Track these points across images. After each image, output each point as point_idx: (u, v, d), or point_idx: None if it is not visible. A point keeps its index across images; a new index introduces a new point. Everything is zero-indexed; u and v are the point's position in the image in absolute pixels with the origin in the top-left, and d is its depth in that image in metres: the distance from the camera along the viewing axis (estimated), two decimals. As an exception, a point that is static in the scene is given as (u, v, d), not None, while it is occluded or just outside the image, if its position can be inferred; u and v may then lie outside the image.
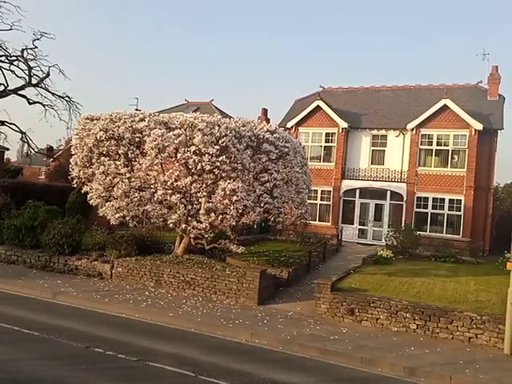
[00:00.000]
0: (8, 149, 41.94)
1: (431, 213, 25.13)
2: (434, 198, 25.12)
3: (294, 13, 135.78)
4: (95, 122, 17.03)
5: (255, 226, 26.17)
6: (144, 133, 16.08)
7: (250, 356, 10.34)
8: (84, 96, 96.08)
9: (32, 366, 8.85)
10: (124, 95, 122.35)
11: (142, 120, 16.58)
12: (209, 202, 15.46)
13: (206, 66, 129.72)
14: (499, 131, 24.96)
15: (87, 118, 17.60)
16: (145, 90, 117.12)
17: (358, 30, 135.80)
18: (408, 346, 11.16)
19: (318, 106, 27.66)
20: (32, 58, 27.99)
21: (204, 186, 15.73)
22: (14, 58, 27.74)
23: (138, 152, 16.49)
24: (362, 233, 26.76)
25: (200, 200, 15.71)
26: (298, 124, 28.14)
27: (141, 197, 16.26)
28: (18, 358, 9.15)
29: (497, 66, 26.85)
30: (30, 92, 29.23)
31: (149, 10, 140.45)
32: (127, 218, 16.53)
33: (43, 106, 28.66)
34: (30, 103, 28.65)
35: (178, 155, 15.36)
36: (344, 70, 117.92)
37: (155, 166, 16.03)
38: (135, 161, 16.54)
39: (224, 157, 15.21)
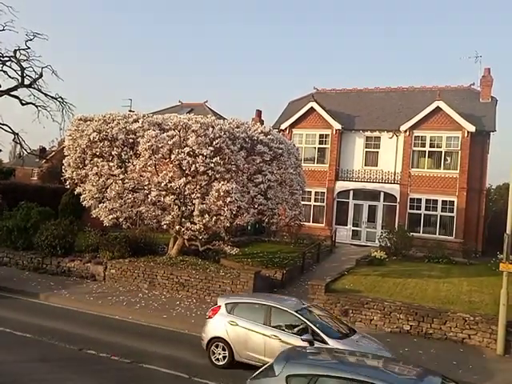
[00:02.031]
0: (0, 150, 41.66)
1: (424, 214, 25.23)
2: (427, 200, 25.22)
3: (290, 12, 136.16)
4: (88, 122, 16.96)
5: (249, 228, 26.17)
6: (138, 134, 16.04)
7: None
8: (78, 97, 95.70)
9: (23, 368, 8.79)
10: (117, 96, 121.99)
11: (135, 121, 16.54)
12: (203, 204, 15.42)
13: (199, 68, 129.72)
14: (491, 133, 25.11)
15: (80, 119, 17.52)
16: (138, 92, 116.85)
17: (354, 30, 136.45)
18: (402, 347, 11.19)
19: (311, 107, 27.71)
20: (25, 58, 27.82)
21: (198, 187, 15.71)
22: (7, 59, 27.54)
23: (131, 153, 16.43)
24: (356, 234, 26.81)
25: (194, 201, 15.68)
26: (292, 125, 28.17)
27: (134, 198, 16.21)
28: (10, 360, 9.10)
29: (489, 69, 27.04)
30: (22, 93, 29.00)
31: (146, 9, 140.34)
32: (120, 220, 16.45)
33: (36, 106, 28.47)
34: (22, 104, 28.46)
35: (172, 156, 15.34)
36: (338, 72, 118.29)
37: (149, 167, 15.99)
38: (129, 162, 16.48)
39: (218, 158, 15.20)
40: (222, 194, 14.89)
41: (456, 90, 28.06)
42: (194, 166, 15.17)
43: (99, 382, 8.47)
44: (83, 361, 9.45)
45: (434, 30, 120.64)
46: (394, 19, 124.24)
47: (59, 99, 28.74)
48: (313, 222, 27.04)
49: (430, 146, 25.47)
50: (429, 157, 25.64)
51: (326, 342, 8.77)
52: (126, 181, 16.11)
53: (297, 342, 8.79)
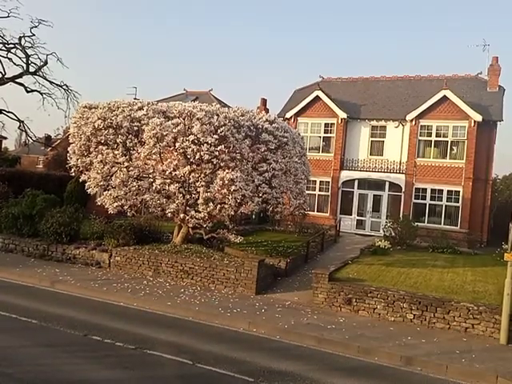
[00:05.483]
0: (6, 137, 41.77)
1: (429, 204, 25.16)
2: (432, 190, 25.13)
3: (294, 2, 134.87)
4: (93, 110, 16.94)
5: (253, 217, 26.23)
6: (142, 122, 16.01)
7: (248, 344, 10.38)
8: (83, 85, 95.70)
9: (30, 353, 8.89)
10: (122, 85, 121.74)
11: (140, 109, 16.51)
12: (207, 192, 15.43)
13: (204, 57, 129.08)
14: (498, 123, 24.92)
15: (85, 107, 17.50)
16: (143, 81, 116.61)
17: (358, 20, 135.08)
18: (405, 336, 11.21)
19: (317, 96, 27.55)
20: (30, 45, 27.80)
21: (202, 175, 15.70)
22: (12, 46, 27.53)
23: (136, 141, 16.42)
24: (360, 223, 26.81)
25: (198, 189, 15.69)
26: (297, 114, 28.04)
27: (139, 186, 16.23)
28: (16, 346, 9.19)
29: (497, 57, 26.75)
30: (27, 80, 29.10)
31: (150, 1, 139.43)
32: (125, 207, 16.50)
33: (41, 94, 28.52)
34: (27, 91, 28.48)
35: (177, 144, 15.32)
36: (344, 60, 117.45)
37: (154, 155, 15.98)
38: (133, 150, 16.49)
39: (223, 146, 15.17)
40: (226, 182, 14.89)
41: (463, 78, 27.81)
42: (198, 154, 15.15)
43: (105, 367, 8.55)
44: (88, 346, 9.53)
45: (442, 18, 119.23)
46: (401, 8, 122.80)
47: (64, 87, 28.76)
48: (317, 212, 27.05)
49: (436, 136, 25.32)
50: (435, 146, 25.49)
51: None
52: (131, 168, 16.12)
53: None
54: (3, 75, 27.72)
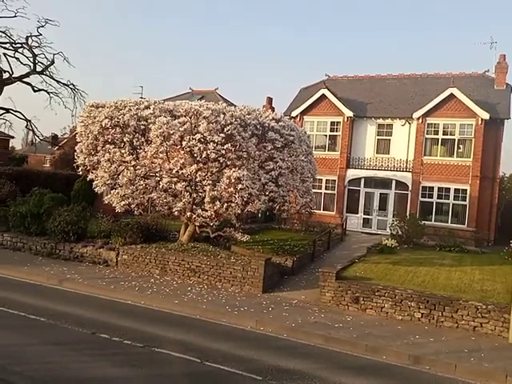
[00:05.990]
0: (13, 137, 42.05)
1: (436, 202, 25.04)
2: (439, 188, 25.01)
3: (295, 2, 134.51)
4: (100, 109, 16.97)
5: (260, 215, 26.20)
6: (149, 120, 16.03)
7: (255, 343, 10.38)
8: (87, 85, 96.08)
9: (38, 351, 8.94)
10: (127, 84, 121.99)
11: (147, 108, 16.52)
12: (214, 190, 15.43)
13: (208, 57, 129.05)
14: (506, 120, 24.76)
15: (92, 106, 17.54)
16: (146, 81, 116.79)
17: (363, 20, 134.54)
18: (413, 335, 11.17)
19: (323, 94, 27.48)
20: (37, 45, 27.95)
21: (209, 174, 15.71)
22: (19, 45, 27.70)
23: (143, 140, 16.44)
24: (367, 222, 26.73)
25: (205, 188, 15.68)
26: (303, 113, 27.98)
27: (146, 185, 16.25)
28: (25, 344, 9.24)
29: (504, 55, 26.58)
30: (34, 80, 29.28)
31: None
32: (132, 206, 16.52)
33: (48, 93, 28.69)
34: (34, 91, 28.64)
35: (183, 143, 15.32)
36: (349, 59, 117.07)
37: (160, 154, 15.98)
38: (140, 148, 16.51)
39: (229, 145, 15.15)
40: (233, 180, 14.88)
41: (470, 76, 27.65)
42: (205, 152, 15.15)
43: (113, 365, 8.58)
44: (96, 344, 9.57)
45: (449, 16, 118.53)
46: (405, 7, 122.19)
47: (71, 86, 28.90)
48: (323, 210, 27.00)
49: (443, 134, 25.20)
50: (442, 144, 25.37)
51: None
52: (138, 167, 16.15)
53: None
54: (10, 75, 27.88)
